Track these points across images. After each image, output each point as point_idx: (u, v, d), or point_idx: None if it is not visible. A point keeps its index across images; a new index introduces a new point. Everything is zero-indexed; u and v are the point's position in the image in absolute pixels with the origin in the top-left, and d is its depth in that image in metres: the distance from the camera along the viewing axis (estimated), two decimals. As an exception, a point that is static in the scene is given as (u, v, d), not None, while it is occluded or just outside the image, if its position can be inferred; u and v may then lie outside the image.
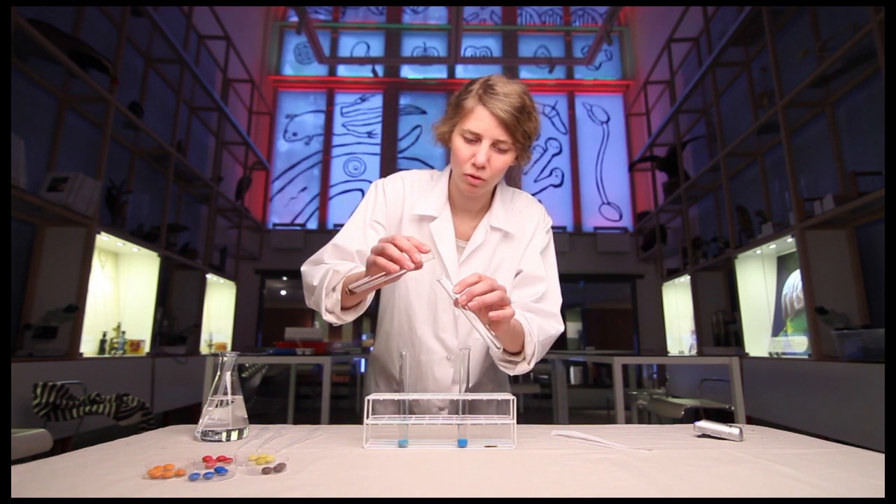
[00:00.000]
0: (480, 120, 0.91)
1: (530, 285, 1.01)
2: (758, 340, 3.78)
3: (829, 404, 2.55)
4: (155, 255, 3.80)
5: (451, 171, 1.05)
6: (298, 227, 6.29)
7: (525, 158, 0.99)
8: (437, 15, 7.11)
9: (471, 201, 1.03)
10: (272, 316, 6.96)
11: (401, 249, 0.75)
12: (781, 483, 0.54)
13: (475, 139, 0.92)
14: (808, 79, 3.00)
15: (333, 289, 0.89)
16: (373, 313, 1.15)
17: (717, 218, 4.77)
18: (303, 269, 0.96)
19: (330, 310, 0.90)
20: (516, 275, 1.04)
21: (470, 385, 1.07)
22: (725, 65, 4.31)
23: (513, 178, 1.14)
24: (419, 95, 6.89)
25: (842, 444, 0.76)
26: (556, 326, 0.98)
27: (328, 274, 0.89)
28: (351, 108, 6.81)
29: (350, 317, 0.92)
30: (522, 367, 0.93)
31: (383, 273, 0.76)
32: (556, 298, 1.03)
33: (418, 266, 0.75)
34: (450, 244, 1.02)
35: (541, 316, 0.97)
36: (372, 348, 1.20)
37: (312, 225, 6.37)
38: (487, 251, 1.03)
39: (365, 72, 6.72)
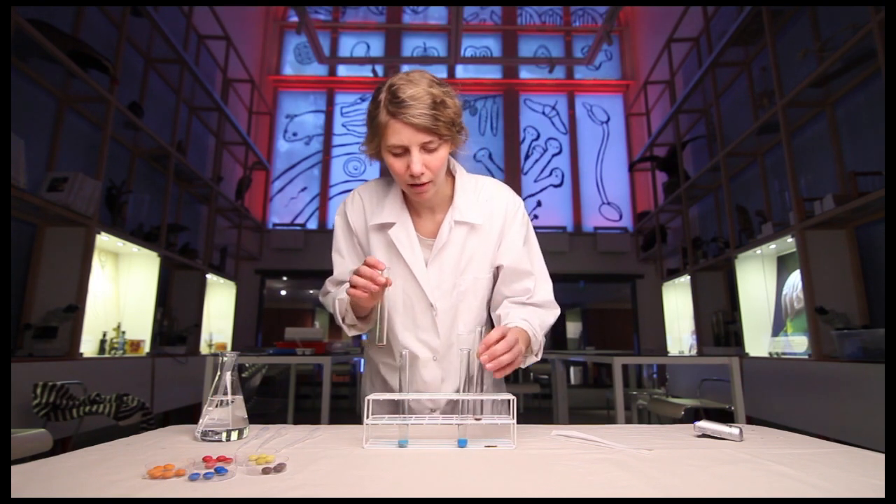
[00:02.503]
0: (399, 133, 0.89)
1: (518, 281, 1.03)
2: (758, 340, 3.78)
3: (829, 404, 2.55)
4: (155, 255, 3.80)
5: None
6: (298, 227, 6.28)
7: (460, 140, 0.97)
8: (437, 15, 7.11)
9: (428, 200, 1.03)
10: (272, 316, 6.97)
11: (363, 277, 0.85)
12: (782, 483, 0.54)
13: (402, 152, 0.91)
14: (808, 79, 3.00)
15: (345, 310, 1.02)
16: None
17: (717, 218, 4.76)
18: (320, 298, 1.14)
19: (351, 325, 1.03)
20: (498, 268, 1.05)
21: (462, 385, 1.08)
22: (725, 65, 4.31)
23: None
24: (419, 95, 6.88)
25: (842, 444, 0.76)
26: (553, 313, 1.05)
27: (335, 303, 1.03)
28: (351, 108, 6.81)
29: (367, 325, 1.06)
30: (531, 360, 0.99)
31: (367, 295, 0.86)
32: (546, 287, 1.06)
33: (384, 284, 0.85)
34: (412, 247, 1.02)
35: (537, 309, 1.03)
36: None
37: (312, 225, 6.36)
38: (456, 247, 1.02)
39: (365, 72, 6.72)
